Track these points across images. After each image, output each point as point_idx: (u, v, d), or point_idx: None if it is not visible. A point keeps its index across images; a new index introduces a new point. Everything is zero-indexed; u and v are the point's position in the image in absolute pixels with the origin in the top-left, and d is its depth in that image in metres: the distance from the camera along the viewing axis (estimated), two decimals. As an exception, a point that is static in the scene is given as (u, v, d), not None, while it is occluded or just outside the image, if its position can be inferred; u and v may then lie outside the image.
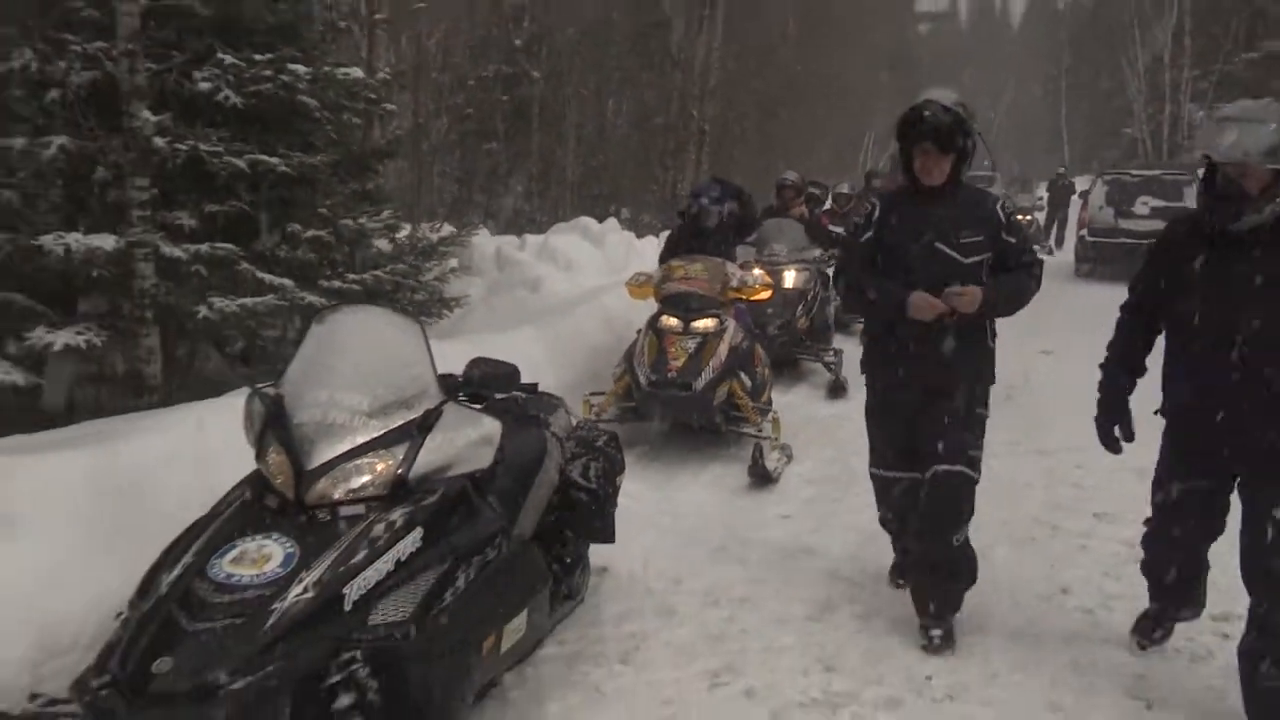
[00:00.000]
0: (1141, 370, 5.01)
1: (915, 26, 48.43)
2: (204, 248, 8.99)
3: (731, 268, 9.42)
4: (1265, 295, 4.36)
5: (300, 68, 9.52)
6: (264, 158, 9.26)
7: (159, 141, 8.66)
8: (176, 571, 3.78)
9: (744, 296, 9.20)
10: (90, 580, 4.70)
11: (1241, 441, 4.52)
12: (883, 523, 6.06)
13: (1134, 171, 24.54)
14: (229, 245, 9.10)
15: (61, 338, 8.22)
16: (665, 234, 12.97)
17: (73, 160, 8.67)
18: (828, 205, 17.20)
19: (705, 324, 8.61)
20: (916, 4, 47.79)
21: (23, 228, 8.41)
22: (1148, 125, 42.35)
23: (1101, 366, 5.09)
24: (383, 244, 11.41)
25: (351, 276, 10.22)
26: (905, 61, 51.66)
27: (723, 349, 8.47)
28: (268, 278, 9.26)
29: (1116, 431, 5.03)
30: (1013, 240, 5.35)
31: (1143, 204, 22.29)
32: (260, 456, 4.14)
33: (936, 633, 5.40)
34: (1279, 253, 4.38)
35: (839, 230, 12.94)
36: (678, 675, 5.16)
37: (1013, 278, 5.36)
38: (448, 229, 13.80)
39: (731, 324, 8.71)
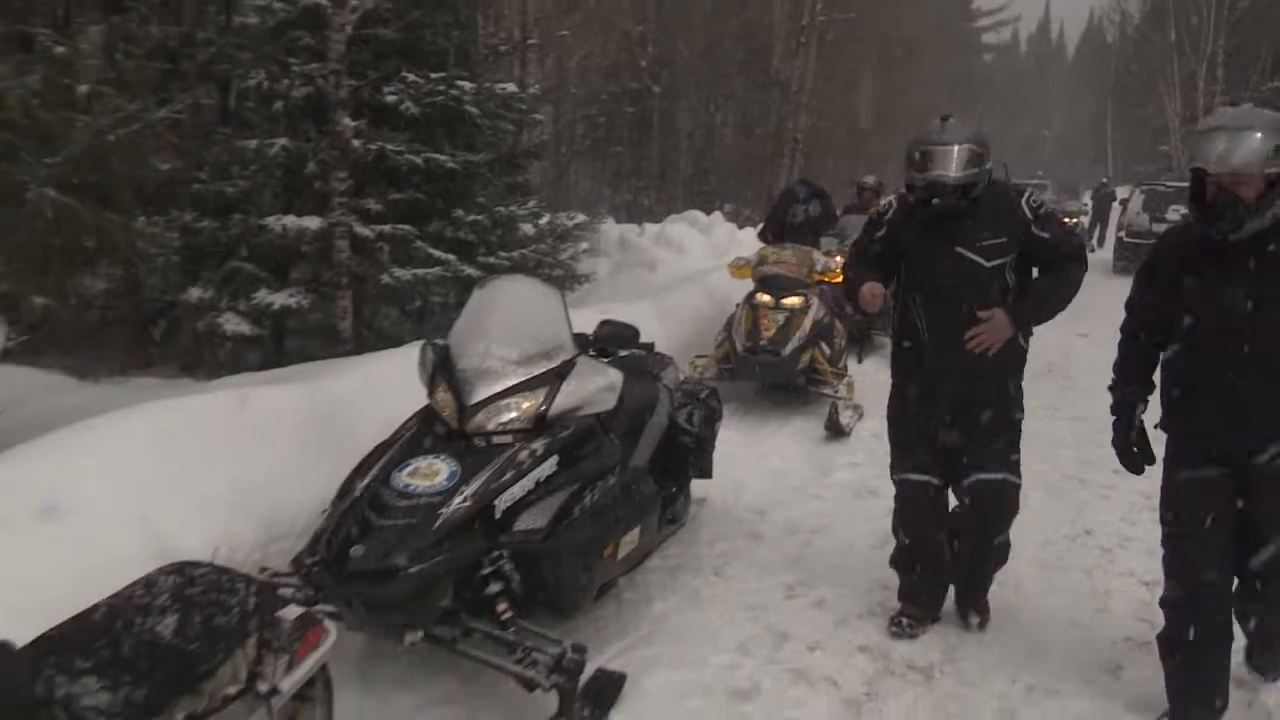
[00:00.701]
0: (1151, 387, 4.10)
1: (981, 56, 47.33)
2: (387, 228, 9.25)
3: (817, 254, 9.40)
4: (1272, 299, 3.65)
5: (466, 84, 9.70)
6: (436, 156, 9.45)
7: (355, 143, 8.91)
8: (367, 480, 3.94)
9: (827, 279, 9.14)
10: (303, 484, 4.83)
11: (1247, 453, 3.75)
12: (899, 547, 4.97)
13: (1168, 183, 23.79)
14: (407, 226, 9.34)
15: (279, 298, 8.56)
16: (761, 225, 12.96)
17: (290, 157, 8.96)
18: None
19: (793, 301, 8.61)
20: (983, 37, 46.72)
21: (251, 211, 8.76)
22: (1182, 144, 40.97)
23: (1111, 389, 4.22)
24: (527, 228, 11.48)
25: (502, 254, 10.35)
26: (972, 85, 50.57)
27: (807, 322, 8.47)
28: (436, 253, 9.48)
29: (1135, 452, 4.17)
30: (1045, 235, 4.37)
31: (1174, 211, 21.63)
32: (431, 394, 4.27)
33: (975, 620, 4.81)
34: None
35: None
36: (760, 586, 5.20)
37: (1043, 281, 4.48)
38: (580, 217, 13.87)
39: (815, 302, 8.70)
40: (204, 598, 2.78)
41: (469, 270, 9.34)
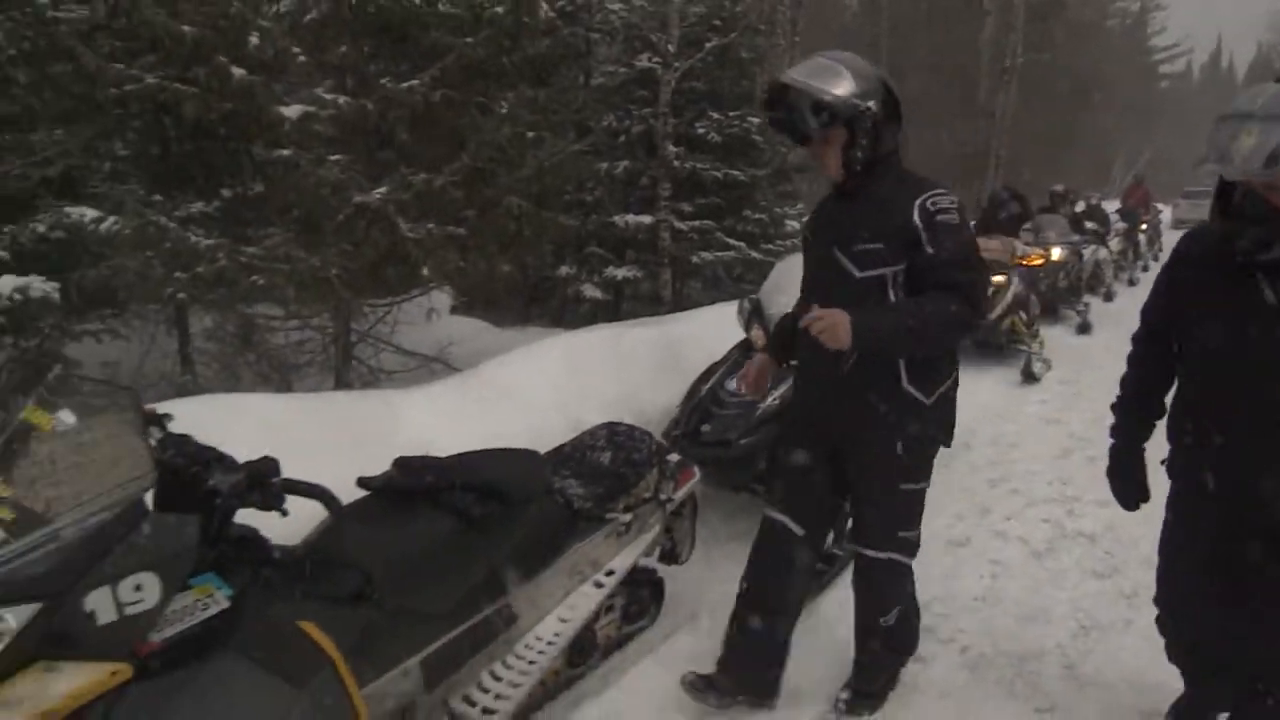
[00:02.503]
0: (1158, 411, 2.56)
1: (1158, 84, 43.69)
2: (696, 223, 9.88)
3: (1017, 243, 9.39)
4: None
5: (754, 119, 10.14)
6: (731, 171, 9.98)
7: (676, 163, 9.56)
8: (708, 385, 4.48)
9: (1024, 262, 9.12)
10: (658, 392, 5.26)
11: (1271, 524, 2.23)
12: (738, 594, 3.07)
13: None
14: (710, 222, 9.94)
15: (621, 272, 9.35)
16: (973, 223, 12.83)
17: (629, 174, 9.69)
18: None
19: (998, 279, 8.63)
20: (1159, 68, 43.17)
21: (602, 212, 9.59)
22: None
23: (1113, 407, 2.67)
24: (794, 224, 11.77)
25: (779, 243, 10.80)
26: (1148, 108, 46.71)
27: (1009, 296, 8.48)
28: (730, 241, 10.04)
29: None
30: (931, 251, 2.47)
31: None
32: (748, 331, 4.80)
33: (850, 700, 3.09)
34: None
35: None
36: (971, 480, 5.42)
37: (916, 304, 2.48)
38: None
39: (1015, 279, 8.70)
40: (625, 442, 3.47)
41: (754, 254, 9.83)
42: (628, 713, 3.04)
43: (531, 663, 2.72)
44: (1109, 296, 12.34)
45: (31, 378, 6.61)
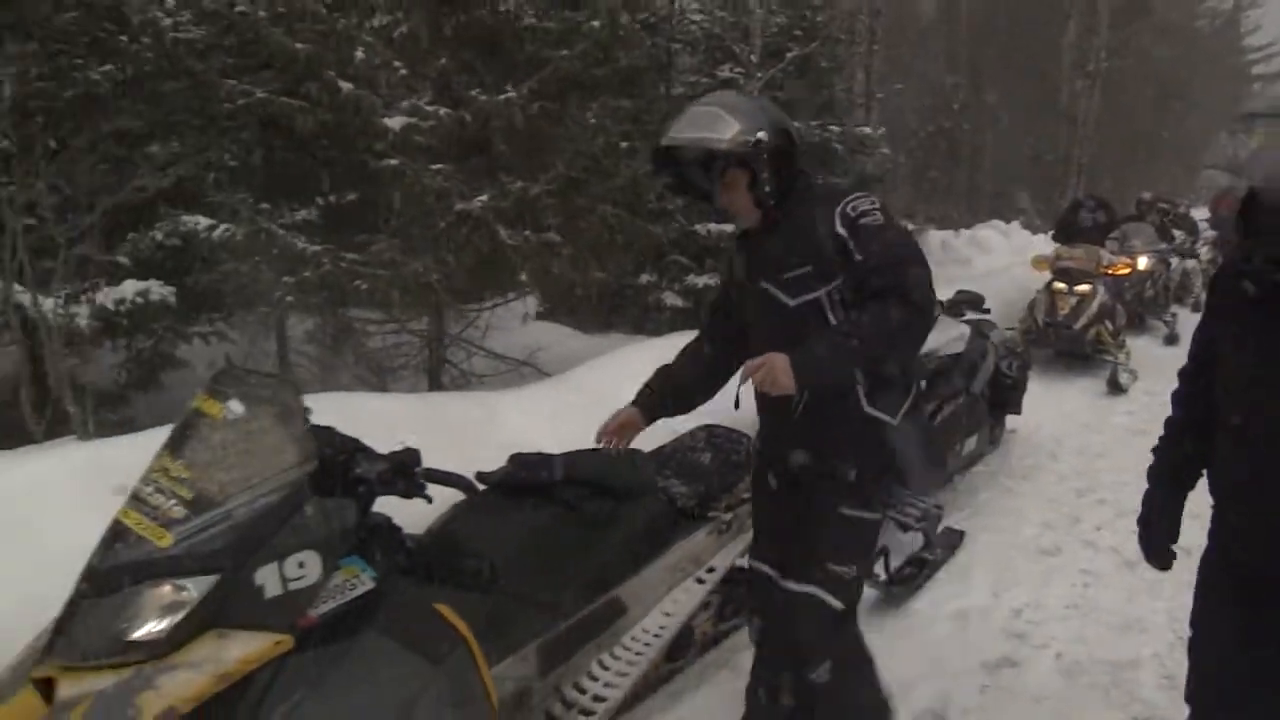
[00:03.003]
0: (1202, 456, 2.10)
1: (1251, 85, 42.40)
2: (778, 233, 9.91)
3: (1103, 252, 9.25)
4: None
5: (836, 128, 10.17)
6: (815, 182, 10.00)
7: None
8: None
9: (1110, 271, 8.99)
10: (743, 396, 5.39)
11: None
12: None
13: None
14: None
15: (702, 280, 9.38)
16: (1052, 232, 12.61)
17: (710, 183, 9.77)
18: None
19: (1083, 288, 8.52)
20: (1253, 69, 41.80)
21: (684, 220, 9.63)
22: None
23: (1154, 451, 2.30)
24: None
25: (857, 252, 10.71)
26: (1240, 111, 45.10)
27: (1094, 304, 8.38)
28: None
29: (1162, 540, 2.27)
30: (860, 258, 2.25)
31: None
32: None
33: None
34: None
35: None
36: (1059, 489, 5.37)
37: (853, 321, 2.20)
38: (910, 226, 13.95)
39: (1101, 289, 8.57)
40: (724, 444, 3.55)
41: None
42: (720, 709, 3.12)
43: (638, 654, 2.81)
44: (1198, 307, 12.00)
45: (146, 376, 6.96)
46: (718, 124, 2.34)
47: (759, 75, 9.26)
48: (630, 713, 2.91)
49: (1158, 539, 2.27)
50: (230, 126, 6.72)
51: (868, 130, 11.30)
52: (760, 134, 2.34)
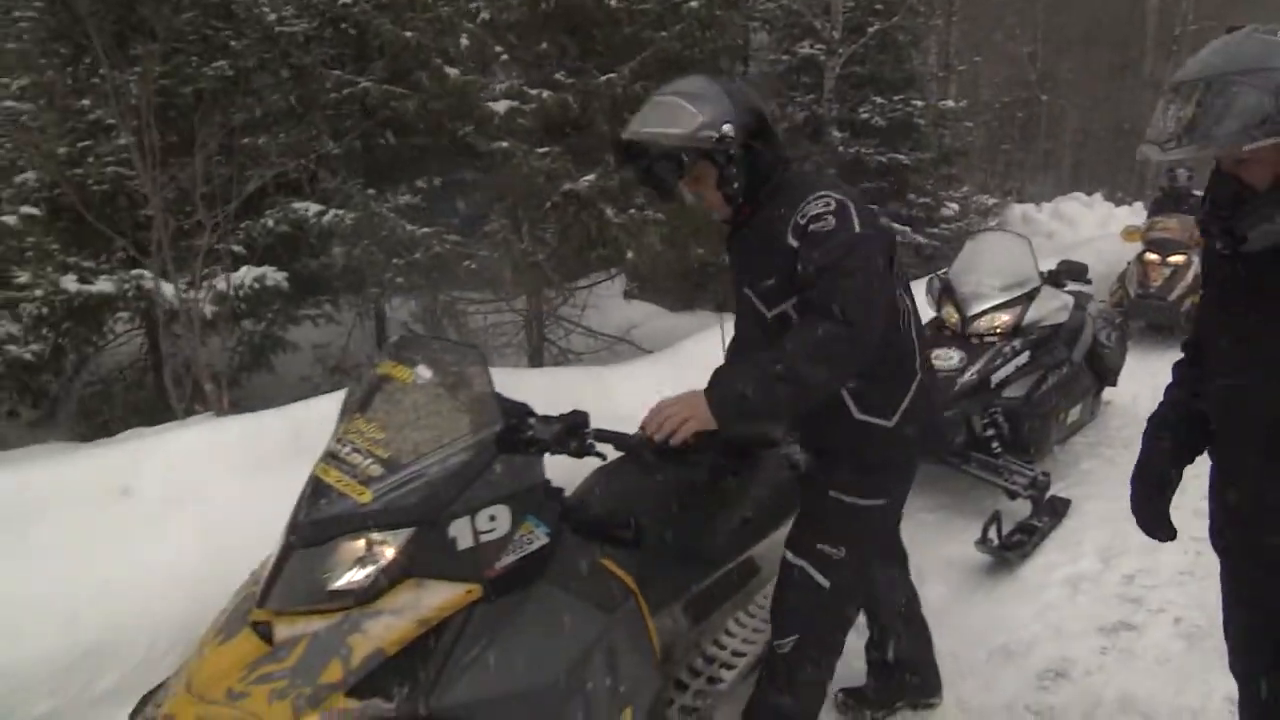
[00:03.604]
0: (1195, 436, 2.03)
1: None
2: (860, 208, 9.85)
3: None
4: None
5: (918, 102, 10.06)
6: (895, 155, 9.91)
7: (840, 148, 9.57)
8: None
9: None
10: None
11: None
12: None
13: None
14: (875, 206, 9.88)
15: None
16: (1136, 203, 12.36)
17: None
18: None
19: (1176, 258, 8.34)
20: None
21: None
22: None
23: (1150, 418, 2.17)
24: (952, 208, 11.50)
25: (944, 227, 10.64)
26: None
27: (1188, 275, 8.20)
28: (896, 225, 9.92)
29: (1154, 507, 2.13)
30: (800, 269, 2.09)
31: None
32: (939, 309, 4.89)
33: None
34: None
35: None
36: None
37: (777, 347, 1.99)
38: (991, 200, 13.76)
39: (1195, 259, 8.39)
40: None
41: (917, 239, 9.75)
42: (846, 660, 3.19)
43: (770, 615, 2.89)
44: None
45: (256, 358, 7.24)
46: (680, 116, 2.18)
47: (840, 51, 9.20)
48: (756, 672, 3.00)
49: (1145, 504, 2.13)
50: (333, 115, 6.94)
51: (950, 104, 11.13)
52: (725, 126, 2.16)
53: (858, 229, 2.10)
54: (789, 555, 2.44)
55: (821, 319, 1.98)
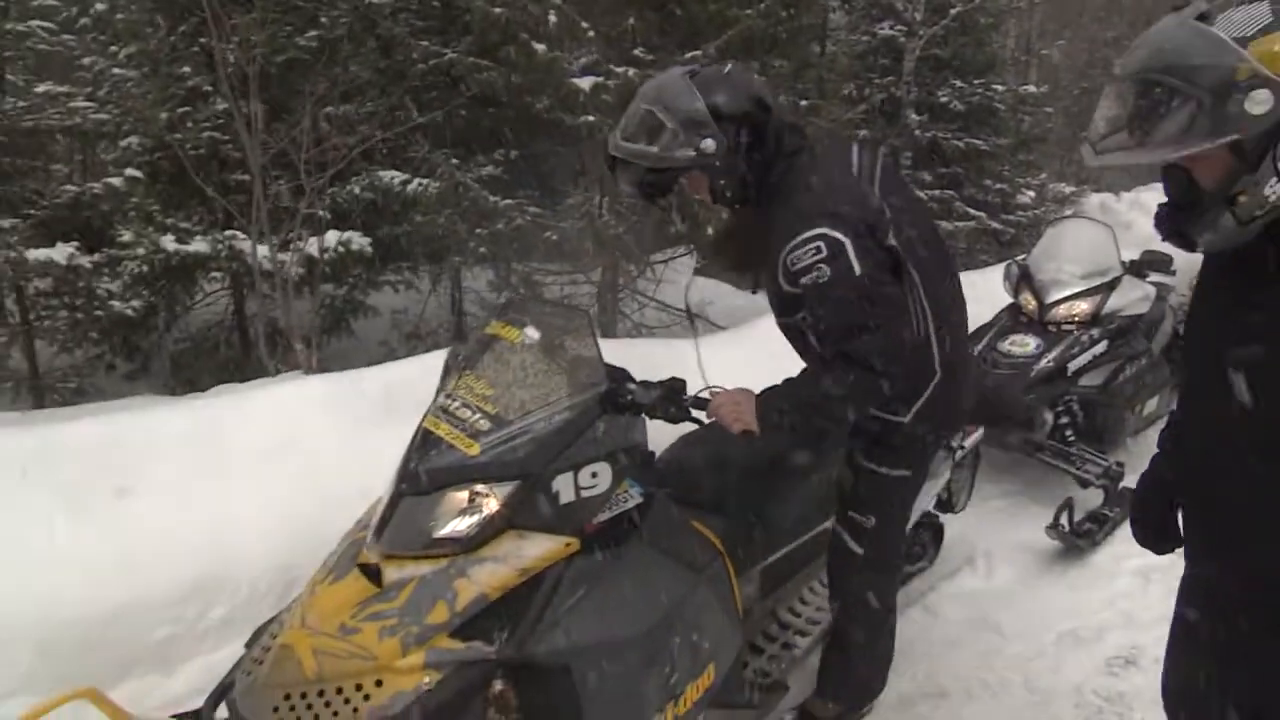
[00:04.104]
0: None
1: None
2: (936, 192, 9.72)
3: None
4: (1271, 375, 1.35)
5: (999, 86, 9.87)
6: (973, 140, 9.75)
7: (918, 132, 9.46)
8: (979, 346, 4.50)
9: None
10: None
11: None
12: None
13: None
14: (950, 192, 9.76)
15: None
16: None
17: (869, 143, 9.67)
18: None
19: None
20: None
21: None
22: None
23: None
24: (1028, 195, 11.26)
25: (1020, 213, 10.46)
26: None
27: None
28: (971, 211, 9.84)
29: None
30: (810, 320, 2.13)
31: None
32: (1016, 295, 4.80)
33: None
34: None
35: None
36: None
37: (808, 378, 2.15)
38: (1069, 188, 13.42)
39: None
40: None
41: (993, 225, 9.60)
42: (918, 640, 3.23)
43: (842, 585, 2.93)
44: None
45: (337, 321, 7.44)
46: (659, 132, 2.07)
47: (921, 33, 9.07)
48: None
49: (1145, 521, 1.83)
50: (418, 87, 7.06)
51: (1030, 89, 10.90)
52: (706, 143, 2.06)
53: (858, 270, 1.99)
54: (832, 524, 2.51)
55: (851, 366, 2.02)
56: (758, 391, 2.12)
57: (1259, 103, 1.23)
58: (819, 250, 1.98)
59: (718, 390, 2.15)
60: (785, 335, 2.33)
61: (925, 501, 3.40)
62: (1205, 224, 1.36)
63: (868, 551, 2.42)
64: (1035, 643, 3.34)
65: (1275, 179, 1.28)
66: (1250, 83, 1.23)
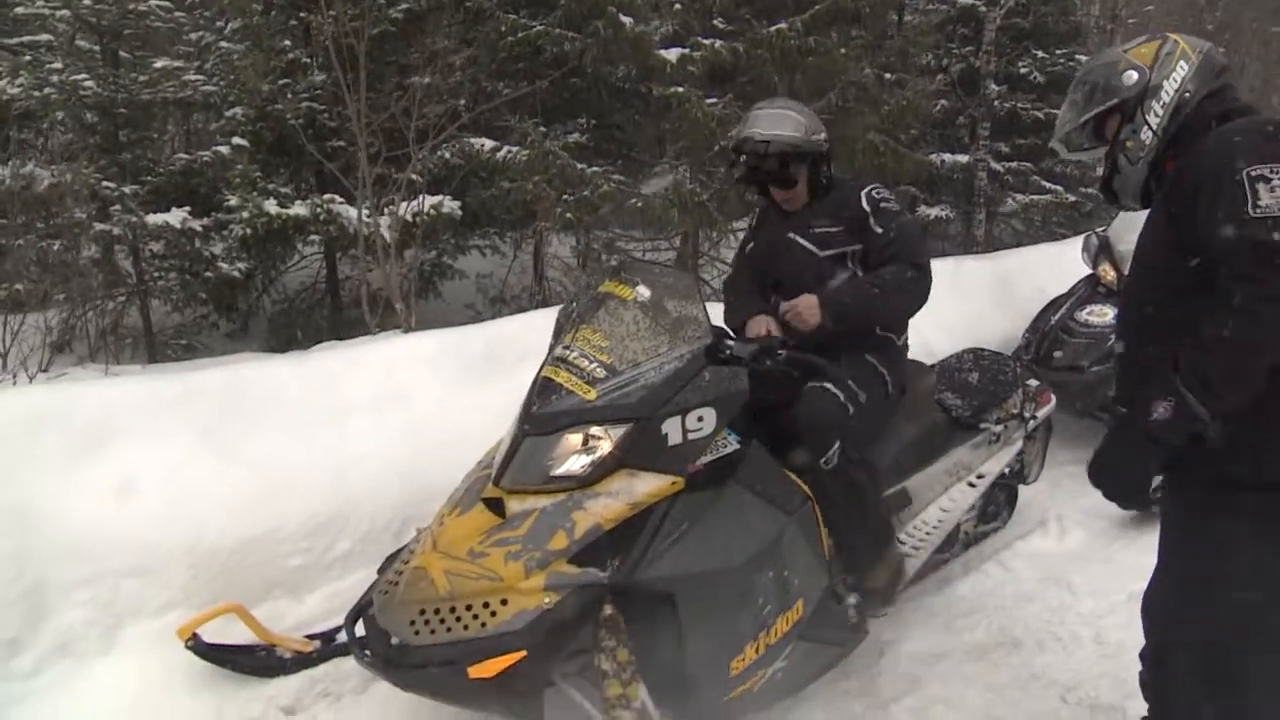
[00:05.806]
0: None
1: None
2: (1013, 164, 9.61)
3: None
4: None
5: (1081, 57, 9.65)
6: (1052, 111, 9.51)
7: (996, 103, 9.34)
8: (1057, 316, 4.56)
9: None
10: (996, 321, 5.25)
11: None
12: None
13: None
14: (1027, 163, 9.64)
15: (934, 212, 9.27)
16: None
17: (946, 113, 9.56)
18: None
19: None
20: None
21: (918, 150, 9.47)
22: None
23: None
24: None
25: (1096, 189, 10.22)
26: None
27: None
28: (1047, 184, 9.70)
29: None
30: (879, 230, 2.75)
31: None
32: (1095, 266, 4.81)
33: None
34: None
35: None
36: None
37: (871, 277, 2.74)
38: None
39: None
40: (991, 365, 3.68)
41: (1071, 198, 9.45)
42: (992, 593, 3.36)
43: (920, 542, 3.07)
44: None
45: (426, 284, 7.69)
46: (799, 125, 2.82)
47: (1002, 2, 8.93)
48: (906, 592, 3.18)
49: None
50: (506, 58, 7.22)
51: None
52: (822, 134, 2.89)
53: (907, 213, 2.87)
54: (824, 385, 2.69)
55: (905, 265, 2.72)
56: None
57: (1130, 79, 1.91)
58: (891, 193, 2.93)
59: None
60: (812, 270, 2.85)
61: (1004, 465, 3.50)
62: (1119, 180, 1.97)
63: (857, 413, 2.70)
64: (1106, 600, 3.40)
65: (1145, 127, 1.89)
66: (1124, 69, 1.92)
